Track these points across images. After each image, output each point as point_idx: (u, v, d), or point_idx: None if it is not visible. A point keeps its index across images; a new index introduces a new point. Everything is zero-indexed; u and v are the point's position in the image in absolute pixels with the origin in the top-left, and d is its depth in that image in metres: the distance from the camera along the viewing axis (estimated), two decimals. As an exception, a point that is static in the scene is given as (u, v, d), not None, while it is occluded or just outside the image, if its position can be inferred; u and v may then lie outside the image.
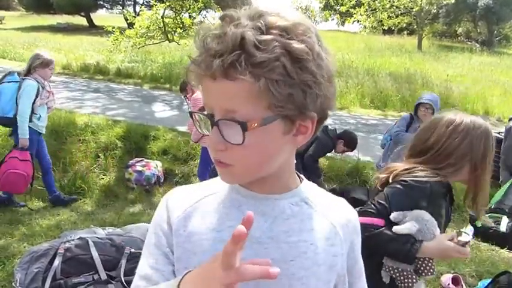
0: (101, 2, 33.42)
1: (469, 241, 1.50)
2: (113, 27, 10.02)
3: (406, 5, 13.96)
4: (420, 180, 1.48)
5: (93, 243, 2.72)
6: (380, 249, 1.49)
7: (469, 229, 1.56)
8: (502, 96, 10.69)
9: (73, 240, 2.71)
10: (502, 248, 4.09)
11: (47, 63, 4.20)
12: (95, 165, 5.69)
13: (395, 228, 1.45)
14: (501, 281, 2.73)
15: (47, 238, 3.52)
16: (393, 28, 20.48)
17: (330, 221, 0.80)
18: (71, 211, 4.52)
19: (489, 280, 2.87)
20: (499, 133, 5.61)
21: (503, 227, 4.22)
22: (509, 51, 26.10)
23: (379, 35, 23.42)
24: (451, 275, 3.07)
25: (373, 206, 1.51)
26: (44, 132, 4.40)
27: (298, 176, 0.82)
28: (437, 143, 1.54)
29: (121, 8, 32.08)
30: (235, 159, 0.68)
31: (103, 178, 5.47)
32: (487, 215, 4.38)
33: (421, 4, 16.74)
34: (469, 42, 30.49)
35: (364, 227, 1.38)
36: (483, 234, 4.33)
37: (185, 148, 5.99)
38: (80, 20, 30.24)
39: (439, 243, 1.49)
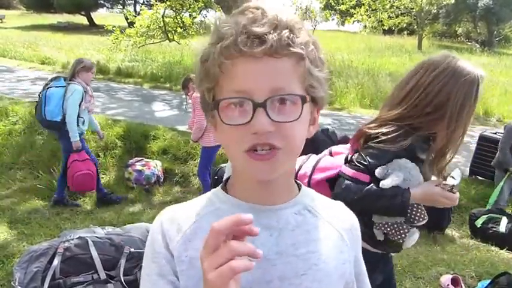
0: (102, 1, 33.40)
1: (455, 185, 1.44)
2: (113, 26, 10.02)
3: (406, 5, 13.97)
4: (384, 149, 1.39)
5: (93, 242, 2.72)
6: (371, 209, 1.45)
7: (457, 173, 1.50)
8: (502, 96, 10.67)
9: (72, 239, 2.71)
10: (502, 248, 4.09)
11: (89, 68, 4.38)
12: (94, 165, 5.68)
13: (382, 184, 1.39)
14: (500, 281, 2.72)
15: (46, 237, 3.52)
16: (393, 28, 20.51)
17: (335, 228, 0.77)
18: (70, 210, 4.52)
19: (488, 281, 2.87)
20: (495, 133, 5.62)
21: (502, 227, 4.22)
22: (509, 51, 26.09)
23: (379, 35, 23.44)
24: (450, 276, 3.07)
25: (356, 162, 1.45)
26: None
27: (296, 182, 0.79)
28: (416, 89, 1.40)
29: (121, 7, 32.06)
30: (284, 140, 0.63)
31: (102, 177, 5.46)
32: (486, 216, 4.38)
33: (421, 4, 16.75)
34: (469, 43, 30.49)
35: (351, 188, 1.39)
36: (482, 235, 4.34)
37: (185, 148, 5.99)
38: (81, 19, 30.24)
39: (425, 189, 1.44)
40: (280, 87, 0.63)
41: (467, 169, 5.70)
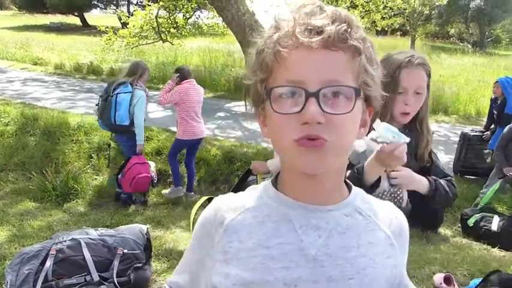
0: (95, 2, 33.22)
1: (376, 137, 1.34)
2: (106, 27, 9.97)
3: (399, 7, 14.03)
4: None
5: (86, 244, 2.70)
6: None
7: (375, 123, 1.36)
8: (493, 96, 10.78)
9: (65, 241, 2.70)
10: (494, 247, 4.13)
11: (147, 72, 4.61)
12: (87, 166, 5.66)
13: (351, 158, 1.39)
14: (492, 279, 2.74)
15: (38, 239, 3.49)
16: (386, 29, 20.60)
17: (384, 231, 0.75)
18: (63, 212, 4.49)
19: (480, 279, 2.89)
20: (474, 131, 5.70)
21: (494, 226, 4.26)
22: (501, 52, 26.33)
23: (372, 35, 23.53)
24: (443, 275, 3.09)
25: None
26: None
27: (346, 182, 0.77)
28: None
29: (115, 8, 31.93)
30: (333, 133, 0.62)
31: (96, 178, 5.44)
32: (478, 215, 4.42)
33: (413, 5, 16.85)
34: (461, 43, 30.71)
35: None
36: (475, 233, 4.37)
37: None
38: (74, 20, 30.06)
39: (374, 156, 1.41)
40: (334, 79, 0.63)
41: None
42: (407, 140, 1.35)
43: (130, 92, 4.34)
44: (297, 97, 0.63)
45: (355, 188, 0.77)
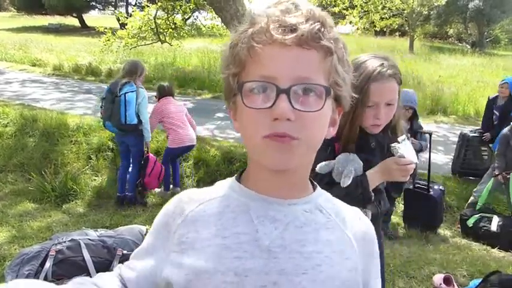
0: (93, 3, 33.20)
1: (399, 147, 1.49)
2: (105, 28, 9.96)
3: (398, 7, 14.05)
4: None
5: (85, 245, 2.70)
6: None
7: (401, 138, 1.54)
8: (492, 97, 10.79)
9: (64, 242, 2.69)
10: (493, 247, 4.13)
11: (144, 71, 4.63)
12: (86, 167, 5.66)
13: (342, 184, 1.47)
14: (492, 280, 2.75)
15: (38, 240, 3.49)
16: (385, 29, 20.62)
17: (345, 232, 0.73)
18: (62, 213, 4.49)
19: (480, 280, 2.89)
20: (473, 131, 5.68)
21: (494, 226, 4.26)
22: (499, 52, 26.38)
23: (371, 36, 23.54)
24: (442, 275, 3.09)
25: None
26: None
27: (311, 182, 0.77)
28: None
29: (113, 9, 31.92)
30: (303, 130, 0.63)
31: (95, 179, 5.44)
32: (477, 215, 4.42)
33: (412, 6, 16.87)
34: (460, 44, 30.77)
35: None
36: (474, 234, 4.37)
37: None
38: (72, 21, 30.02)
39: (380, 165, 1.52)
40: (306, 77, 0.63)
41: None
42: (417, 161, 1.49)
43: (135, 90, 4.37)
44: (268, 93, 0.63)
45: (320, 189, 0.77)
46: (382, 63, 1.46)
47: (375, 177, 1.52)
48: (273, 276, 0.66)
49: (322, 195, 0.77)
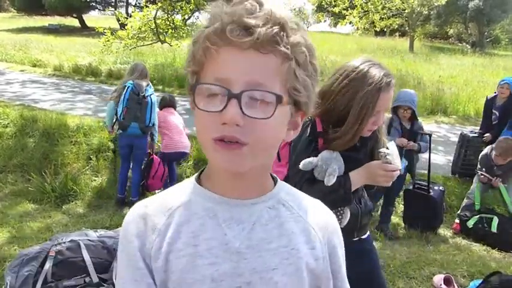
0: (93, 4, 33.20)
1: (388, 153, 1.53)
2: (104, 29, 9.96)
3: (398, 7, 14.05)
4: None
5: (85, 245, 2.69)
6: None
7: (391, 144, 1.60)
8: (492, 97, 10.78)
9: (64, 242, 2.68)
10: (493, 248, 4.13)
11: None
12: (87, 167, 5.65)
13: (326, 182, 1.50)
14: (492, 281, 2.74)
15: (37, 241, 3.49)
16: (385, 30, 20.63)
17: (309, 223, 0.75)
18: (62, 213, 4.49)
19: (480, 280, 2.89)
20: (474, 132, 5.68)
21: (494, 227, 4.26)
22: (500, 52, 26.36)
23: (371, 36, 23.55)
24: (443, 276, 3.09)
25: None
26: None
27: (272, 176, 0.77)
28: (333, 91, 1.54)
29: (113, 9, 31.93)
30: (252, 136, 0.62)
31: (95, 180, 5.44)
32: (477, 216, 4.42)
33: (412, 6, 16.87)
34: (460, 44, 30.77)
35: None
36: (474, 235, 4.37)
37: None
38: (72, 21, 30.03)
39: (365, 168, 1.57)
40: (259, 83, 0.62)
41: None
42: (401, 167, 1.50)
43: (153, 93, 4.46)
44: (220, 96, 0.63)
45: (280, 182, 0.78)
46: (384, 72, 1.52)
47: (358, 180, 1.56)
48: (246, 276, 0.68)
49: (283, 189, 0.77)
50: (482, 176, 4.51)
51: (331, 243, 0.78)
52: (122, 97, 4.29)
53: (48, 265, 2.53)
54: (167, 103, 4.97)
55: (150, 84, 4.50)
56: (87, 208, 4.74)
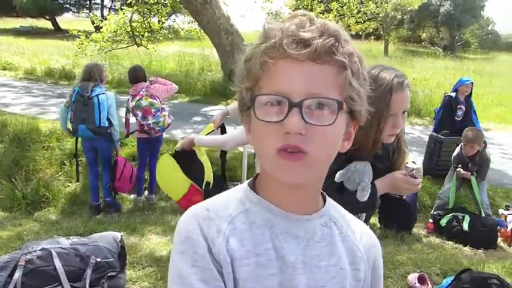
0: (67, 6, 32.56)
1: (414, 168, 1.56)
2: (79, 31, 9.77)
3: (372, 11, 14.31)
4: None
5: (57, 253, 2.62)
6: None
7: (415, 163, 1.63)
8: (463, 99, 11.11)
9: (35, 251, 2.61)
10: (465, 245, 4.24)
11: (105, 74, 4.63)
12: (60, 173, 5.51)
13: (361, 198, 1.50)
14: (463, 278, 2.81)
15: (7, 250, 3.37)
16: (360, 33, 20.96)
17: (356, 244, 0.77)
18: (34, 221, 4.36)
19: (452, 277, 2.96)
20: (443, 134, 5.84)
21: (465, 225, 4.37)
22: (470, 55, 27.20)
23: (347, 40, 23.90)
24: (417, 274, 3.14)
25: None
26: None
27: (321, 192, 0.79)
28: None
29: (88, 11, 31.36)
30: (313, 144, 0.63)
31: (69, 186, 5.31)
32: (450, 215, 4.53)
33: (386, 10, 17.24)
34: (433, 47, 31.58)
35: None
36: (447, 233, 4.48)
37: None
38: (45, 24, 29.36)
39: (390, 178, 1.58)
40: (318, 92, 0.63)
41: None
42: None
43: (104, 93, 4.31)
44: (280, 107, 0.63)
45: (329, 199, 0.79)
46: (396, 74, 1.51)
47: (382, 189, 1.57)
48: None
49: (332, 207, 0.79)
50: (462, 172, 4.62)
51: (375, 266, 0.81)
52: (70, 101, 4.29)
53: (17, 275, 2.45)
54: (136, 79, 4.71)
55: (100, 84, 4.32)
56: (60, 215, 4.62)
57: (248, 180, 0.77)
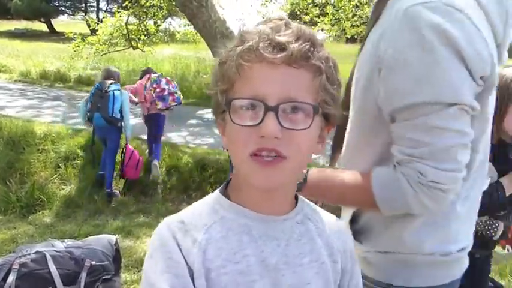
0: (62, 8, 32.52)
1: None
2: (74, 34, 9.76)
3: (368, 15, 14.41)
4: None
5: (51, 257, 2.60)
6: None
7: None
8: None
9: (29, 254, 2.58)
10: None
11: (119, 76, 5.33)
12: (55, 176, 5.48)
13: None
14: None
15: (1, 253, 3.36)
16: (356, 37, 21.08)
17: (331, 236, 0.78)
18: (28, 224, 4.33)
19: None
20: None
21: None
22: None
23: (342, 43, 24.01)
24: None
25: None
26: None
27: None
28: None
29: (83, 14, 31.35)
30: (290, 148, 0.63)
31: (63, 188, 5.28)
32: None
33: (381, 14, 17.31)
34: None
35: None
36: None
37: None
38: (40, 26, 29.31)
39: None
40: (294, 96, 0.64)
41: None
42: None
43: (120, 89, 4.92)
44: (256, 110, 0.63)
45: (300, 196, 0.79)
46: None
47: (506, 185, 1.47)
48: None
49: (306, 204, 0.79)
50: None
51: (352, 255, 0.82)
52: (90, 94, 4.95)
53: (11, 278, 2.43)
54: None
55: (118, 84, 4.97)
56: (54, 218, 4.60)
57: (220, 187, 0.77)
